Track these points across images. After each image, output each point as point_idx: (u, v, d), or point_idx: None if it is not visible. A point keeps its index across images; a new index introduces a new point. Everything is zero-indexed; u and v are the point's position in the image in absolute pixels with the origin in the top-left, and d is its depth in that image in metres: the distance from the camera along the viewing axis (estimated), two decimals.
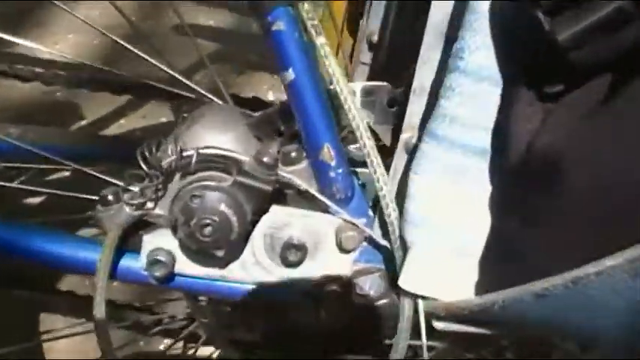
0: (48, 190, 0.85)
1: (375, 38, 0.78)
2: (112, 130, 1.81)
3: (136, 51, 0.79)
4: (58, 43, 2.14)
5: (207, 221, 0.54)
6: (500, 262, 0.54)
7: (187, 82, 0.80)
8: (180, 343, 1.21)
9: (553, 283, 0.44)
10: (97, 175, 0.70)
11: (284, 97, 0.59)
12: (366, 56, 0.81)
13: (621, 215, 0.42)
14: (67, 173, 1.42)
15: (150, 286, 0.65)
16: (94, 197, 0.70)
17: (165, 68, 0.79)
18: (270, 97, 1.96)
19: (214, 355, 1.24)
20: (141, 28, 1.94)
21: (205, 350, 1.24)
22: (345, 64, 0.84)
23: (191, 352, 1.14)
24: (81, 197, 0.82)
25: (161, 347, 1.27)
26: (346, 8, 0.89)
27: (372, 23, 0.78)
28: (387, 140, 0.64)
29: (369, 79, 0.79)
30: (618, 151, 0.43)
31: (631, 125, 0.43)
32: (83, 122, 1.82)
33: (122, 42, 0.80)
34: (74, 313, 1.30)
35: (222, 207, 0.54)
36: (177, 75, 0.79)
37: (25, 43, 1.04)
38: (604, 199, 0.44)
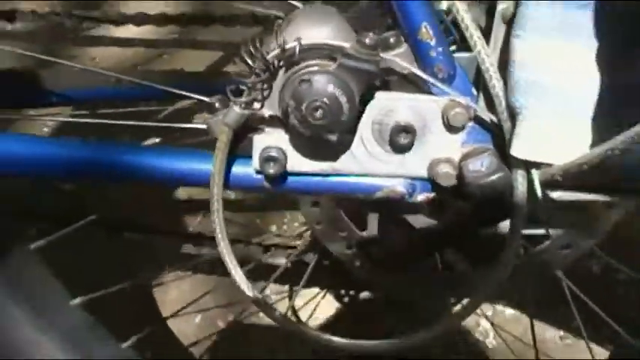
0: (157, 124, 0.88)
1: None
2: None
3: None
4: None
5: (318, 103, 0.57)
6: (613, 117, 0.55)
7: None
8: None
9: None
10: (199, 97, 0.73)
11: None
12: None
13: None
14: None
15: (262, 191, 0.68)
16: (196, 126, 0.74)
17: None
18: None
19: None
20: None
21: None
22: None
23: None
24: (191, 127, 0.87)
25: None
26: None
27: None
28: (481, 21, 0.65)
29: None
30: None
31: None
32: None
33: None
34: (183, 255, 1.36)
35: (331, 88, 0.57)
36: None
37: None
38: None
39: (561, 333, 1.30)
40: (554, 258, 0.81)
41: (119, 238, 1.19)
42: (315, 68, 0.58)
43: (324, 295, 1.31)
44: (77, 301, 0.82)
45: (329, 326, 1.28)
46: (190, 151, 0.68)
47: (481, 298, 0.70)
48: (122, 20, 1.06)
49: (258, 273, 1.13)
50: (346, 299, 1.28)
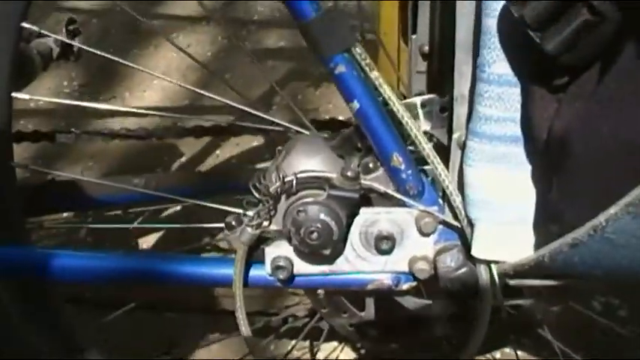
0: (178, 225, 1.05)
1: (426, 49, 0.93)
2: (211, 161, 2.01)
3: (212, 96, 0.96)
4: (146, 90, 2.38)
5: (313, 229, 0.72)
6: (546, 224, 0.70)
7: (274, 120, 0.98)
8: (306, 343, 1.41)
9: (579, 232, 0.60)
10: (219, 206, 0.89)
11: None
12: (422, 65, 0.96)
13: (624, 172, 0.58)
14: (176, 209, 1.65)
15: (276, 289, 0.84)
16: (213, 225, 0.90)
17: (252, 111, 0.97)
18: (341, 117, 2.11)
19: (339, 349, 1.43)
20: (216, 68, 2.14)
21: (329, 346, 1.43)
22: (402, 79, 1.00)
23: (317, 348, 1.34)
24: (205, 227, 1.03)
25: (289, 348, 1.47)
26: (398, 24, 1.06)
27: (421, 36, 0.92)
28: (445, 140, 0.80)
29: (428, 85, 0.93)
30: (615, 121, 0.59)
31: (621, 99, 0.58)
32: (183, 159, 2.04)
33: (198, 90, 0.98)
34: (207, 327, 1.52)
35: (322, 216, 0.72)
36: (261, 114, 0.98)
37: (121, 109, 1.26)
38: (610, 161, 0.59)
39: None
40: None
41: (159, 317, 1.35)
42: (309, 199, 0.74)
43: (343, 348, 1.46)
44: None
45: None
46: (215, 259, 0.84)
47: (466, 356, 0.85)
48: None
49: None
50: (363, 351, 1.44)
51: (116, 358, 0.98)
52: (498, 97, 0.66)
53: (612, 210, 0.56)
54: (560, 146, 0.63)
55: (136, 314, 1.23)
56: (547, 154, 0.65)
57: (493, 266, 0.76)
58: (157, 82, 2.41)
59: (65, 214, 1.50)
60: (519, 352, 1.32)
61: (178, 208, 1.58)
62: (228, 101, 0.95)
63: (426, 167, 0.80)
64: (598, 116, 0.58)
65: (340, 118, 1.20)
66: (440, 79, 0.86)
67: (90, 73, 2.54)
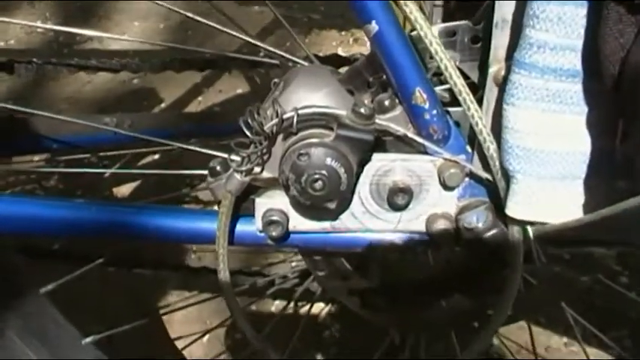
0: (156, 171, 0.92)
1: None
2: (192, 107, 1.89)
3: (213, 24, 0.83)
4: (126, 32, 2.24)
5: (317, 176, 0.59)
6: (611, 179, 0.57)
7: (269, 48, 0.84)
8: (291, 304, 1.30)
9: None
10: (202, 150, 0.75)
11: (354, 51, 0.63)
12: None
13: None
14: (155, 156, 1.53)
15: (266, 248, 0.71)
16: (196, 172, 0.77)
17: (245, 37, 0.83)
18: (341, 53, 2.00)
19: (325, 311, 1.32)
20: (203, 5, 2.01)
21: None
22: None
23: (305, 309, 1.22)
24: (185, 174, 0.89)
25: (272, 309, 1.36)
26: None
27: None
28: (474, 76, 0.67)
29: (444, 20, 0.81)
30: None
31: None
32: (163, 105, 1.92)
33: (195, 17, 0.84)
34: (186, 285, 1.41)
35: (329, 161, 0.59)
36: (257, 42, 0.84)
37: (105, 35, 1.12)
38: None
39: (565, 340, 1.33)
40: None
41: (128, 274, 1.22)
42: (313, 140, 0.60)
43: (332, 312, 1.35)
44: (89, 339, 0.85)
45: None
46: (196, 211, 0.71)
47: (488, 336, 0.73)
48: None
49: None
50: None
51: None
52: (558, 18, 0.53)
53: None
54: (636, 82, 0.49)
55: (105, 270, 1.11)
56: (617, 93, 0.52)
57: (530, 228, 0.63)
58: (137, 23, 2.26)
59: (37, 158, 1.38)
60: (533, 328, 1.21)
61: (156, 154, 1.47)
62: (220, 27, 0.81)
63: (452, 109, 0.66)
64: None
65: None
66: (458, 10, 0.73)
67: (66, 13, 2.39)
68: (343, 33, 2.08)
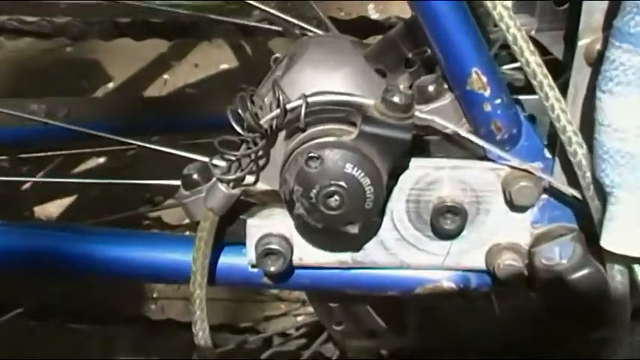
0: (102, 181, 0.95)
1: None
2: (155, 90, 1.93)
3: None
4: None
5: (333, 189, 0.62)
6: None
7: (267, 9, 0.88)
8: None
9: None
10: (171, 150, 0.79)
11: (401, 14, 0.67)
12: None
13: None
14: (100, 159, 1.57)
15: (262, 289, 0.75)
16: (161, 182, 0.81)
17: None
18: (374, 15, 2.03)
19: None
20: None
21: None
22: None
23: None
24: (145, 184, 0.93)
25: None
26: None
27: None
28: (558, 52, 0.71)
29: None
30: None
31: None
32: (111, 84, 1.95)
33: None
34: (144, 346, 1.45)
35: (349, 168, 0.62)
36: (254, 2, 0.88)
37: None
38: None
39: None
40: None
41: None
42: (328, 139, 0.63)
43: None
44: None
45: None
46: (162, 237, 0.75)
47: None
48: None
49: None
50: None
51: None
52: None
53: None
54: None
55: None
56: None
57: (638, 268, 0.66)
58: None
59: None
60: None
61: (101, 156, 1.51)
62: None
63: (523, 97, 0.70)
64: None
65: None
66: None
67: None
68: None
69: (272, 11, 0.85)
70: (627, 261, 0.66)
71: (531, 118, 0.71)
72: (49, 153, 1.19)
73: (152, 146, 0.82)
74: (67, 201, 1.59)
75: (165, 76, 1.96)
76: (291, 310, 1.40)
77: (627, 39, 0.59)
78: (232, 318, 1.36)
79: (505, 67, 0.73)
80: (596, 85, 0.62)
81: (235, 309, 1.46)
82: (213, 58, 1.95)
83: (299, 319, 1.29)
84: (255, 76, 0.73)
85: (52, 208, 1.60)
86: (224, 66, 1.94)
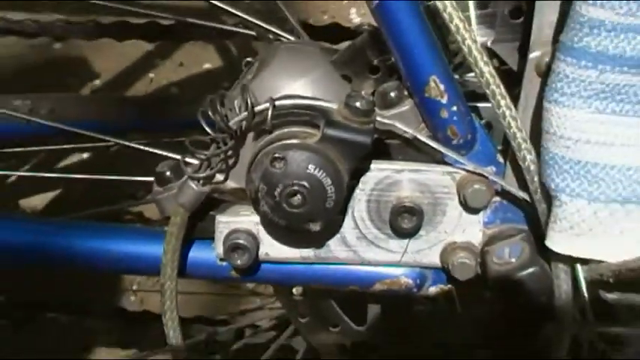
0: (83, 176, 0.98)
1: None
2: (140, 87, 1.94)
3: None
4: None
5: (296, 188, 0.65)
6: None
7: (243, 15, 0.91)
8: None
9: None
10: (147, 148, 0.82)
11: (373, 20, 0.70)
12: None
13: None
14: (83, 155, 1.59)
15: (228, 281, 0.77)
16: (136, 178, 0.83)
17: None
18: (355, 18, 2.05)
19: None
20: None
21: None
22: None
23: None
24: (122, 179, 0.96)
25: None
26: None
27: None
28: (513, 62, 0.73)
29: None
30: None
31: None
32: (97, 82, 1.97)
33: None
34: (122, 338, 1.47)
35: (312, 168, 0.65)
36: (226, 7, 0.90)
37: None
38: None
39: None
40: None
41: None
42: (292, 141, 0.66)
43: None
44: None
45: None
46: (136, 230, 0.77)
47: None
48: None
49: None
50: None
51: None
52: None
53: None
54: None
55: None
56: None
57: (580, 268, 0.69)
58: None
59: None
60: None
61: (84, 153, 1.52)
62: None
63: (480, 105, 0.73)
64: None
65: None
66: None
67: None
68: None
69: (245, 16, 0.87)
70: (570, 261, 0.69)
71: (488, 125, 0.73)
72: (32, 148, 1.19)
73: (128, 143, 0.84)
74: (51, 195, 1.62)
75: (151, 75, 1.97)
76: (266, 303, 1.43)
77: (571, 53, 0.62)
78: (208, 311, 1.38)
79: (468, 75, 0.75)
80: (545, 95, 0.65)
81: (212, 303, 1.48)
82: (197, 58, 1.97)
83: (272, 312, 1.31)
84: (237, 75, 0.75)
85: (37, 201, 1.62)
86: (207, 65, 1.96)
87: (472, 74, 0.72)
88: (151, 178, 0.74)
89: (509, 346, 0.83)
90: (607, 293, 0.71)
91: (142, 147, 0.83)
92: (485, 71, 0.66)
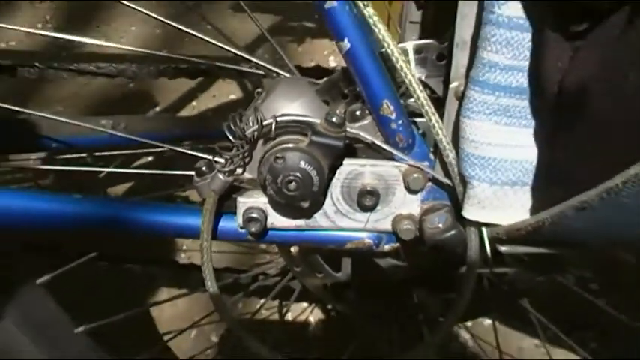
0: (148, 172, 0.97)
1: None
2: (186, 112, 1.95)
3: (201, 36, 0.90)
4: (123, 37, 2.30)
5: (291, 178, 0.65)
6: (549, 187, 0.63)
7: (255, 60, 0.91)
8: (276, 302, 1.36)
9: (589, 195, 0.53)
10: (190, 152, 0.82)
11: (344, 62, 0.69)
12: (416, 15, 0.89)
13: None
14: (149, 157, 1.59)
15: (246, 243, 0.77)
16: (184, 173, 0.83)
17: (233, 50, 0.90)
18: (332, 62, 2.05)
19: (308, 310, 1.38)
20: (199, 12, 2.08)
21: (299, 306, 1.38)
22: (395, 27, 0.93)
23: (286, 307, 1.28)
24: (175, 174, 0.95)
25: (257, 306, 1.42)
26: None
27: None
28: (439, 91, 0.73)
29: (421, 36, 0.87)
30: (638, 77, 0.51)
31: None
32: (158, 108, 1.97)
33: (187, 30, 0.91)
34: (176, 282, 1.47)
35: (302, 164, 0.65)
36: (244, 55, 0.90)
37: (101, 43, 1.17)
38: (629, 120, 0.52)
39: (537, 341, 1.39)
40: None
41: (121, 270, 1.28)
42: (289, 145, 0.66)
43: (313, 309, 1.41)
44: (81, 329, 0.91)
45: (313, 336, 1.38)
46: (183, 207, 0.76)
47: (446, 326, 0.79)
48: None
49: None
50: (333, 313, 1.38)
51: None
52: (507, 42, 0.59)
53: (632, 171, 0.48)
54: (573, 100, 0.55)
55: (95, 266, 1.17)
56: (556, 109, 0.58)
57: (484, 230, 0.69)
58: (134, 28, 2.32)
59: (35, 157, 1.44)
60: (496, 322, 1.28)
61: (149, 156, 1.53)
62: (210, 39, 0.87)
63: (417, 120, 0.72)
64: (624, 62, 0.51)
65: (326, 66, 1.12)
66: (435, 28, 0.79)
67: (66, 15, 2.44)
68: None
69: (257, 61, 0.87)
70: (478, 225, 0.70)
71: (423, 134, 0.73)
72: (114, 152, 1.20)
73: (177, 149, 0.84)
74: (128, 184, 1.63)
75: (193, 103, 1.97)
76: (273, 258, 1.43)
77: (477, 84, 0.61)
78: (233, 263, 1.38)
79: (410, 100, 0.75)
80: (460, 112, 0.65)
81: (235, 258, 1.48)
82: (225, 90, 1.97)
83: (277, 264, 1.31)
84: (251, 101, 0.75)
85: (119, 189, 1.63)
86: (232, 96, 1.96)
87: (412, 99, 0.72)
88: (192, 173, 0.73)
89: (436, 283, 0.83)
90: (501, 246, 0.71)
91: (186, 151, 0.82)
92: (421, 97, 0.65)
